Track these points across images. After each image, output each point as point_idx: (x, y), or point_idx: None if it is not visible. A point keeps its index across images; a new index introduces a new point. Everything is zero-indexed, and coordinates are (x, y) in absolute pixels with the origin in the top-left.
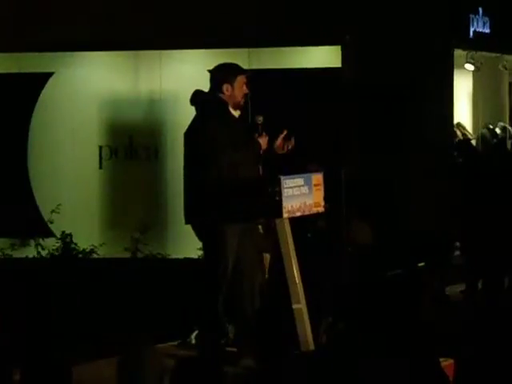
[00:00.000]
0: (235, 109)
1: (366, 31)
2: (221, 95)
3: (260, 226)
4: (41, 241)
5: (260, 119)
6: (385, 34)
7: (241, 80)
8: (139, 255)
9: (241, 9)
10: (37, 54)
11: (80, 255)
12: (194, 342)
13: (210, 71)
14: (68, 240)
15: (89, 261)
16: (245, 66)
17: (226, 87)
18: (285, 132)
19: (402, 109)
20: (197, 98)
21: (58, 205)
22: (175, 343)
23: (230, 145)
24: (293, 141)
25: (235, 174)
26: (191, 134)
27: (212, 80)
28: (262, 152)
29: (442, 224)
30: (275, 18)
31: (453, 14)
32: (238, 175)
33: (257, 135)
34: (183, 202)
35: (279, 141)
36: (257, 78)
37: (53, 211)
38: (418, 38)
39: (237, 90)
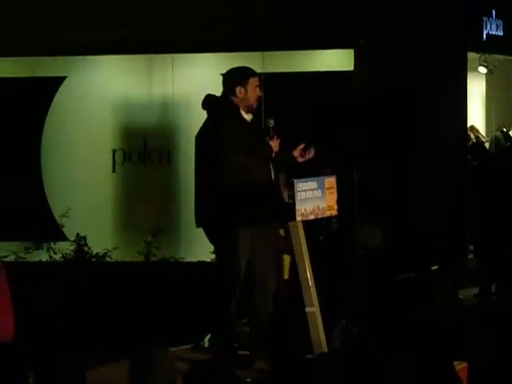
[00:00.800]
0: (248, 112)
1: (379, 34)
2: (233, 98)
3: (281, 229)
4: (54, 244)
5: (271, 122)
6: (398, 38)
7: (253, 82)
8: (152, 259)
9: (254, 12)
10: (50, 58)
11: (93, 259)
12: (206, 345)
13: (222, 74)
14: (82, 243)
15: (102, 264)
16: (258, 70)
17: (239, 90)
18: (302, 145)
19: (415, 112)
20: (208, 101)
21: (68, 209)
22: (188, 346)
23: (241, 148)
24: (313, 150)
25: (246, 177)
26: (202, 137)
27: (225, 83)
28: (273, 155)
29: (455, 227)
30: (288, 21)
31: (466, 17)
32: (250, 178)
33: (268, 138)
34: (194, 206)
35: (298, 151)
36: (270, 81)
37: (63, 215)
38: (431, 41)
39: (250, 93)
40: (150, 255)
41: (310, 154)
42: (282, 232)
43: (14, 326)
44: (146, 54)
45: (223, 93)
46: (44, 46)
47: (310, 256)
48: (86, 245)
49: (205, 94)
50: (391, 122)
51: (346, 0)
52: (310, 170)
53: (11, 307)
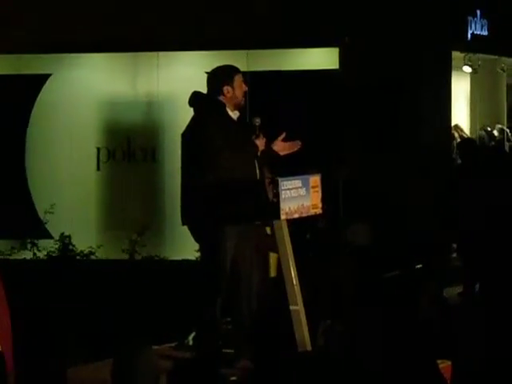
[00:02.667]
0: (235, 109)
1: (364, 33)
2: (220, 97)
3: (268, 228)
4: (38, 242)
5: (257, 121)
6: (383, 36)
7: (238, 79)
8: (137, 257)
9: (239, 10)
10: (35, 55)
11: (78, 257)
12: (191, 343)
13: (207, 75)
14: (67, 241)
15: (87, 262)
16: (243, 68)
17: (226, 89)
18: (283, 134)
19: (400, 110)
20: (195, 99)
21: (53, 204)
22: (172, 345)
23: (227, 146)
24: (299, 142)
25: (232, 176)
26: (188, 135)
27: (211, 83)
28: (259, 154)
29: (439, 225)
30: (273, 19)
31: (451, 17)
32: (235, 177)
33: (254, 137)
34: (180, 203)
35: (277, 143)
36: (255, 79)
37: (47, 212)
38: (416, 40)
39: (237, 90)
40: (135, 253)
41: (296, 146)
42: (268, 230)
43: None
44: (131, 52)
45: (210, 92)
46: (29, 43)
47: (295, 254)
48: (71, 243)
49: (190, 92)
50: (376, 121)
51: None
52: (296, 169)
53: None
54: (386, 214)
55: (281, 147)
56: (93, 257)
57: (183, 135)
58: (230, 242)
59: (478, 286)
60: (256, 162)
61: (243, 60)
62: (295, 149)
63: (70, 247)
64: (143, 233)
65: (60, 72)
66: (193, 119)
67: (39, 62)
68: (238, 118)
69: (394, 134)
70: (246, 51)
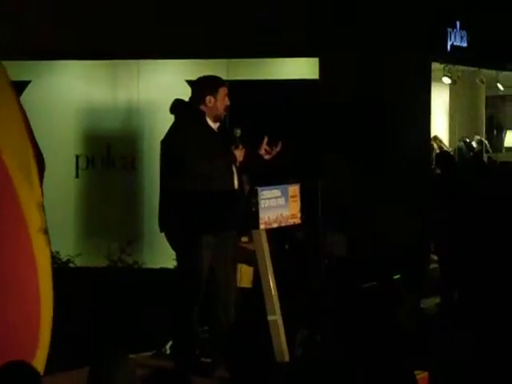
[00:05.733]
0: (215, 121)
1: (344, 44)
2: (201, 106)
3: (244, 237)
4: None
5: (238, 132)
6: (362, 47)
7: (223, 91)
8: (115, 264)
9: (219, 19)
10: (13, 62)
11: (55, 265)
12: (168, 352)
13: (192, 83)
14: None
15: (64, 270)
16: (223, 77)
17: (208, 99)
18: (266, 138)
19: (379, 121)
20: (176, 107)
21: None
22: (149, 353)
23: (205, 156)
24: (280, 144)
25: (209, 185)
26: (167, 142)
27: (194, 91)
28: (237, 164)
29: (418, 236)
30: (254, 28)
31: (430, 28)
32: (212, 186)
33: (233, 147)
34: (158, 211)
35: (263, 148)
36: (235, 88)
37: None
38: (396, 51)
39: (219, 102)
40: (113, 261)
41: (277, 147)
42: (244, 239)
43: None
44: (111, 59)
45: (192, 100)
46: (8, 49)
47: (273, 264)
48: (51, 251)
49: (171, 100)
50: (355, 131)
51: (312, 9)
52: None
53: None
54: (364, 225)
55: (266, 151)
56: (71, 264)
57: (162, 142)
58: (207, 250)
59: (455, 296)
60: (235, 171)
61: (223, 69)
62: (278, 149)
63: (51, 254)
64: (121, 240)
65: (39, 79)
66: (172, 126)
67: (18, 68)
68: (218, 128)
69: (373, 144)
70: (226, 60)
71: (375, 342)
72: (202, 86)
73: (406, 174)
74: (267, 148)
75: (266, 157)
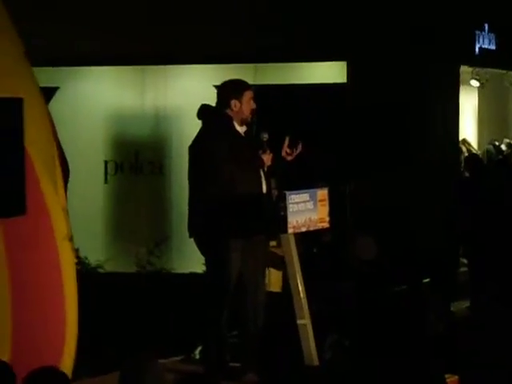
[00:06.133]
0: (242, 124)
1: (372, 47)
2: (227, 111)
3: (273, 242)
4: None
5: (265, 136)
6: (391, 50)
7: (248, 95)
8: (144, 269)
9: (247, 24)
10: (42, 68)
11: (85, 270)
12: (197, 357)
13: (216, 87)
14: (75, 255)
15: (94, 275)
16: (251, 82)
17: (234, 103)
18: (287, 139)
19: (408, 124)
20: (203, 112)
21: None
22: (179, 358)
23: (233, 160)
24: (300, 145)
25: (238, 190)
26: (195, 147)
27: (219, 96)
28: (265, 168)
29: (447, 240)
30: (281, 33)
31: (459, 31)
32: (241, 190)
33: (261, 152)
34: (188, 216)
35: (284, 149)
36: (262, 93)
37: None
38: (424, 54)
39: (244, 106)
40: (142, 266)
41: (298, 148)
42: (272, 243)
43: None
44: (139, 65)
45: (217, 105)
46: (37, 56)
47: (302, 268)
48: (79, 256)
49: (198, 105)
50: (384, 135)
51: (339, 13)
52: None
53: None
54: (394, 229)
55: (287, 152)
56: (100, 270)
57: (190, 148)
58: (236, 255)
59: (486, 299)
60: (263, 175)
61: (251, 73)
62: (299, 150)
63: (82, 260)
64: (150, 245)
65: (68, 85)
66: (200, 132)
67: (47, 74)
68: (245, 133)
69: (402, 148)
70: (254, 65)
71: (405, 346)
72: (227, 91)
73: (434, 177)
74: (288, 150)
75: (288, 158)
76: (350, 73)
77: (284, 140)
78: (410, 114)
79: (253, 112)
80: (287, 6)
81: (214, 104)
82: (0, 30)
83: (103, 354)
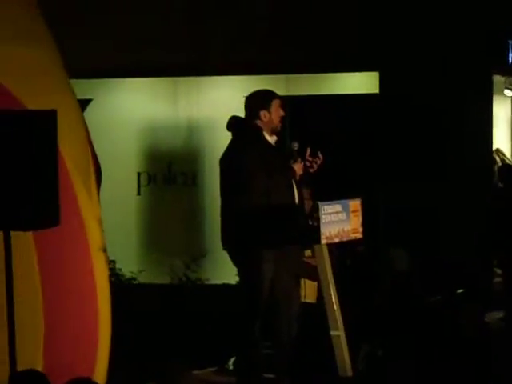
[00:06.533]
0: (272, 134)
1: (404, 57)
2: (257, 122)
3: (307, 251)
4: None
5: (296, 145)
6: (422, 60)
7: (276, 104)
8: (178, 281)
9: (278, 35)
10: (75, 80)
11: (119, 281)
12: (231, 368)
13: (245, 99)
14: (111, 266)
15: (128, 287)
16: (282, 92)
17: (263, 114)
18: (308, 150)
19: (441, 135)
20: (233, 123)
21: None
22: (212, 369)
23: (265, 170)
24: (320, 156)
25: (270, 200)
26: (226, 160)
27: (248, 108)
28: (297, 178)
29: (481, 250)
30: (313, 43)
31: (491, 40)
32: (273, 201)
33: (292, 161)
34: (220, 228)
35: (306, 160)
36: (294, 104)
37: None
38: (457, 64)
39: (273, 115)
40: (176, 277)
41: (319, 160)
42: (307, 253)
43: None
44: (171, 76)
45: (247, 117)
46: (70, 68)
47: (336, 279)
48: (114, 268)
49: (229, 116)
50: (416, 145)
51: (371, 23)
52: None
53: None
54: (428, 239)
55: (309, 162)
56: (135, 282)
57: (221, 160)
58: (268, 265)
59: None
60: (295, 185)
61: (283, 84)
62: (320, 161)
63: (116, 271)
64: (184, 257)
65: (101, 97)
66: (231, 144)
67: (80, 87)
68: (276, 143)
69: (435, 158)
70: (285, 75)
71: (439, 357)
72: (255, 102)
73: (468, 187)
74: (310, 158)
75: (310, 170)
76: (383, 83)
77: (305, 151)
78: (443, 124)
79: (282, 120)
80: (319, 17)
81: (243, 115)
82: (39, 39)
83: (137, 366)
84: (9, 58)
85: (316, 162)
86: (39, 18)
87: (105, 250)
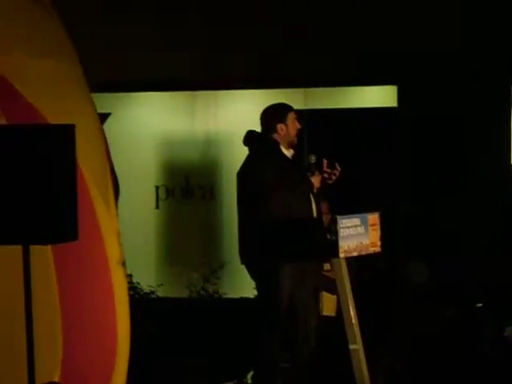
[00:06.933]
0: (289, 147)
1: (422, 70)
2: (274, 135)
3: (326, 264)
4: None
5: (313, 158)
6: (441, 75)
7: (291, 116)
8: (195, 294)
9: (296, 48)
10: (94, 94)
11: (137, 295)
12: (249, 382)
13: (260, 113)
14: (129, 280)
15: (147, 301)
16: (300, 106)
17: (280, 127)
18: (325, 162)
19: (459, 146)
20: (249, 138)
21: None
22: (231, 383)
23: (283, 184)
24: (338, 167)
25: (288, 214)
26: (243, 174)
27: (264, 122)
28: (315, 191)
29: (500, 264)
30: (331, 57)
31: (508, 49)
32: (291, 215)
33: (310, 174)
34: (238, 242)
35: (323, 172)
36: (312, 117)
37: None
38: (475, 77)
39: (290, 128)
40: (194, 291)
41: (337, 172)
42: (326, 267)
43: None
44: (189, 90)
45: (263, 131)
46: (88, 83)
47: (354, 293)
48: (132, 281)
49: (246, 130)
50: (435, 158)
51: (389, 37)
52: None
53: None
54: (446, 252)
55: (327, 174)
56: (152, 295)
57: (238, 174)
58: (287, 280)
59: None
60: (312, 199)
61: (301, 98)
62: (338, 173)
63: (134, 285)
64: (201, 270)
65: (119, 111)
66: (248, 157)
67: (98, 101)
68: (293, 156)
69: (453, 170)
70: (303, 89)
71: (458, 371)
72: (271, 116)
73: (488, 200)
74: (328, 170)
75: (329, 181)
76: (401, 97)
77: (322, 163)
78: (461, 137)
79: (298, 133)
80: (338, 31)
81: (259, 129)
82: (63, 51)
83: (156, 380)
84: (31, 68)
85: (334, 174)
86: (63, 30)
87: (123, 264)
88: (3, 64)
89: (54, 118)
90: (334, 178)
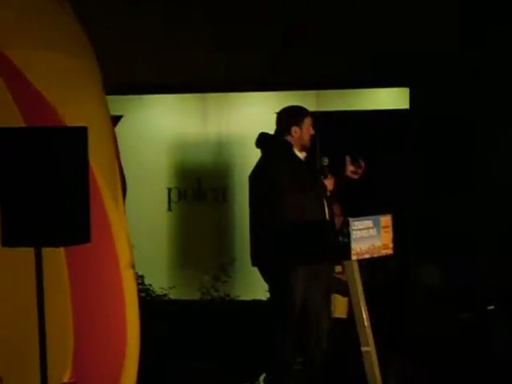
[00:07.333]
0: (301, 151)
1: (434, 72)
2: (287, 137)
3: (338, 266)
4: None
5: (326, 161)
6: (453, 77)
7: (307, 121)
8: (208, 297)
9: (308, 51)
10: (106, 96)
11: (149, 298)
12: None
13: (277, 113)
14: (140, 281)
15: (158, 303)
16: (313, 108)
17: (294, 129)
18: (348, 158)
19: (471, 148)
20: (262, 140)
21: None
22: None
23: (295, 186)
24: (362, 163)
25: (300, 217)
26: (256, 176)
27: (279, 123)
28: (328, 193)
29: None
30: (343, 59)
31: None
32: (303, 218)
33: (322, 177)
34: (250, 245)
35: (348, 168)
36: (324, 119)
37: None
38: (487, 79)
39: (304, 132)
40: (206, 293)
41: (362, 166)
42: (338, 269)
43: None
44: (201, 93)
45: (277, 131)
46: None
47: (366, 295)
48: (143, 283)
49: (259, 132)
50: (447, 160)
51: (401, 39)
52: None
53: None
54: (457, 254)
55: (352, 170)
56: (164, 298)
57: (251, 177)
58: (300, 282)
59: None
60: (325, 201)
61: (313, 100)
62: (364, 168)
63: (145, 287)
64: (214, 273)
65: (131, 113)
66: (261, 159)
67: (110, 103)
68: (305, 158)
69: (465, 173)
70: (315, 91)
71: (470, 373)
72: (287, 117)
73: (498, 202)
74: (352, 167)
75: (354, 177)
76: (413, 99)
77: (345, 160)
78: (473, 139)
79: (311, 138)
80: (350, 33)
81: (273, 131)
82: (81, 48)
83: (168, 383)
84: (41, 60)
85: (360, 167)
86: (76, 24)
87: (133, 267)
88: (14, 56)
89: (67, 113)
90: (360, 172)
